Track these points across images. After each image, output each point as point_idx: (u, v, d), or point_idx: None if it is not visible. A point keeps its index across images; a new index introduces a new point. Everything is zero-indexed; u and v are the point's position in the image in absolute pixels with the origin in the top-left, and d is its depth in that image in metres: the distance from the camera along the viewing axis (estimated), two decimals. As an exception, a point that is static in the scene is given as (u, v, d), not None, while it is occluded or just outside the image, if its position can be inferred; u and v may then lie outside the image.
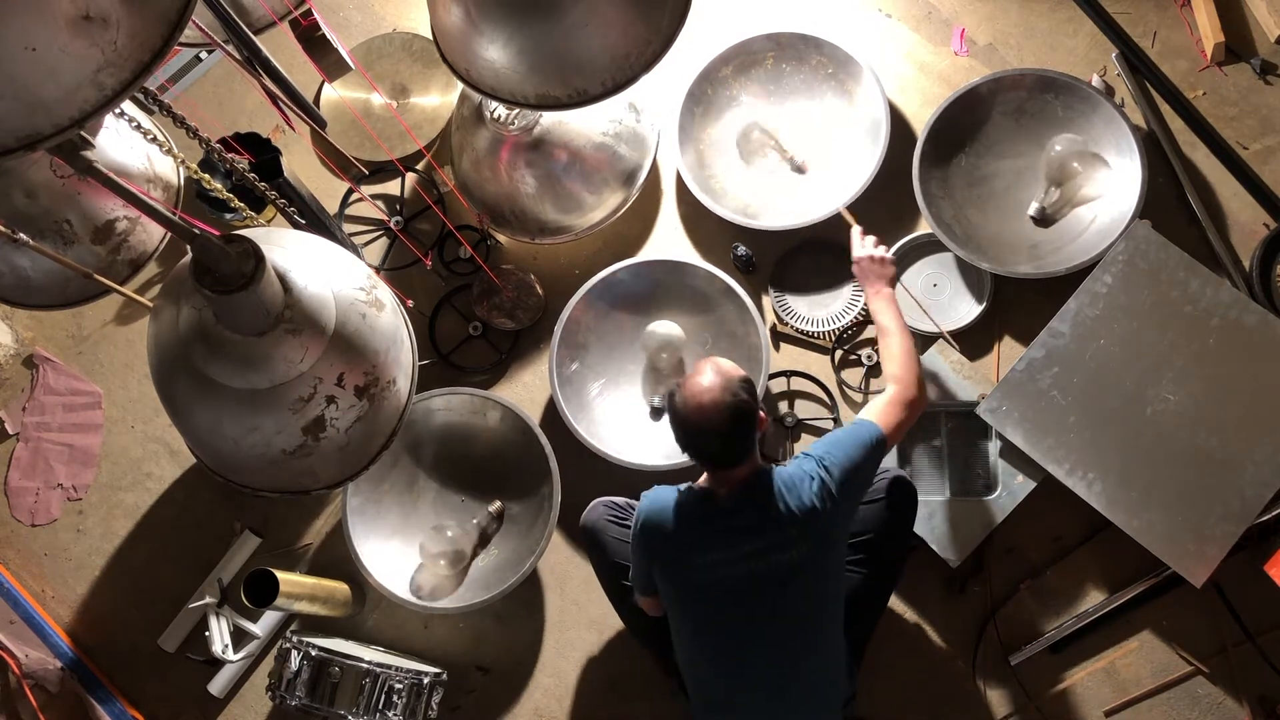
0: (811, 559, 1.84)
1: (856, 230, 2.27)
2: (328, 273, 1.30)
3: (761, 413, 1.85)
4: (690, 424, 1.81)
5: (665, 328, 2.46)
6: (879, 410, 1.97)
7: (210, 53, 2.93)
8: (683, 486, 1.91)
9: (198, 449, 1.44)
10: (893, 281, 2.17)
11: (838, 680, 1.97)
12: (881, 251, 2.19)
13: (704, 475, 1.90)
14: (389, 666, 2.29)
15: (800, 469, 1.85)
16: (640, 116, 2.55)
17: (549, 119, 2.41)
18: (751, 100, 2.64)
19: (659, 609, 2.04)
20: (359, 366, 1.31)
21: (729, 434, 1.79)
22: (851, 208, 2.44)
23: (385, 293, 1.41)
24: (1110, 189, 2.39)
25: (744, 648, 1.89)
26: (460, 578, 2.39)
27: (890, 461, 2.31)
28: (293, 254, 1.28)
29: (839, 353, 2.51)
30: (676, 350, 2.46)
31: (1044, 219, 2.45)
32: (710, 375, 1.81)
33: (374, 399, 1.34)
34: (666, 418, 1.86)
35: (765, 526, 1.82)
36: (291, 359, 1.24)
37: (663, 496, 1.91)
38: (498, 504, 2.45)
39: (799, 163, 2.58)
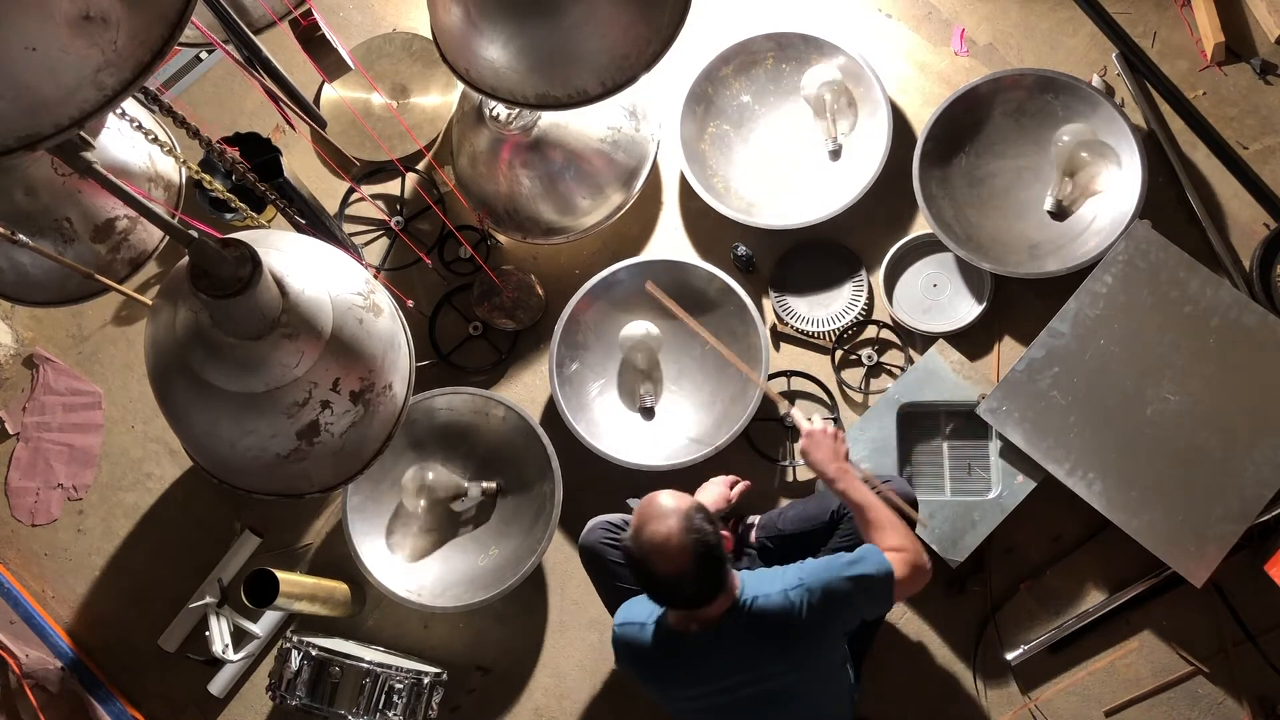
0: (802, 678, 1.78)
1: (795, 410, 2.07)
2: (325, 277, 1.30)
3: (725, 533, 1.72)
4: (656, 573, 1.67)
5: (639, 328, 2.45)
6: (894, 551, 1.80)
7: (210, 53, 2.93)
8: (654, 615, 1.81)
9: (193, 451, 1.44)
10: (834, 461, 1.94)
11: None
12: (832, 426, 2.00)
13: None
14: (389, 666, 2.29)
15: (785, 595, 1.72)
16: (640, 125, 2.54)
17: (548, 121, 2.41)
18: (828, 67, 2.60)
19: None
20: (355, 371, 1.30)
21: (699, 575, 1.66)
22: (852, 207, 2.44)
23: (383, 297, 1.40)
24: (1111, 188, 2.39)
25: None
26: (431, 544, 2.40)
27: (891, 464, 2.31)
28: (290, 257, 1.28)
29: (839, 353, 2.51)
30: (651, 349, 2.46)
31: (1060, 212, 2.44)
32: (663, 515, 1.66)
33: (369, 404, 1.33)
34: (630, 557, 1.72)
35: (745, 661, 1.74)
36: (287, 363, 1.23)
37: (632, 629, 1.83)
38: (493, 484, 2.44)
39: (838, 145, 2.57)
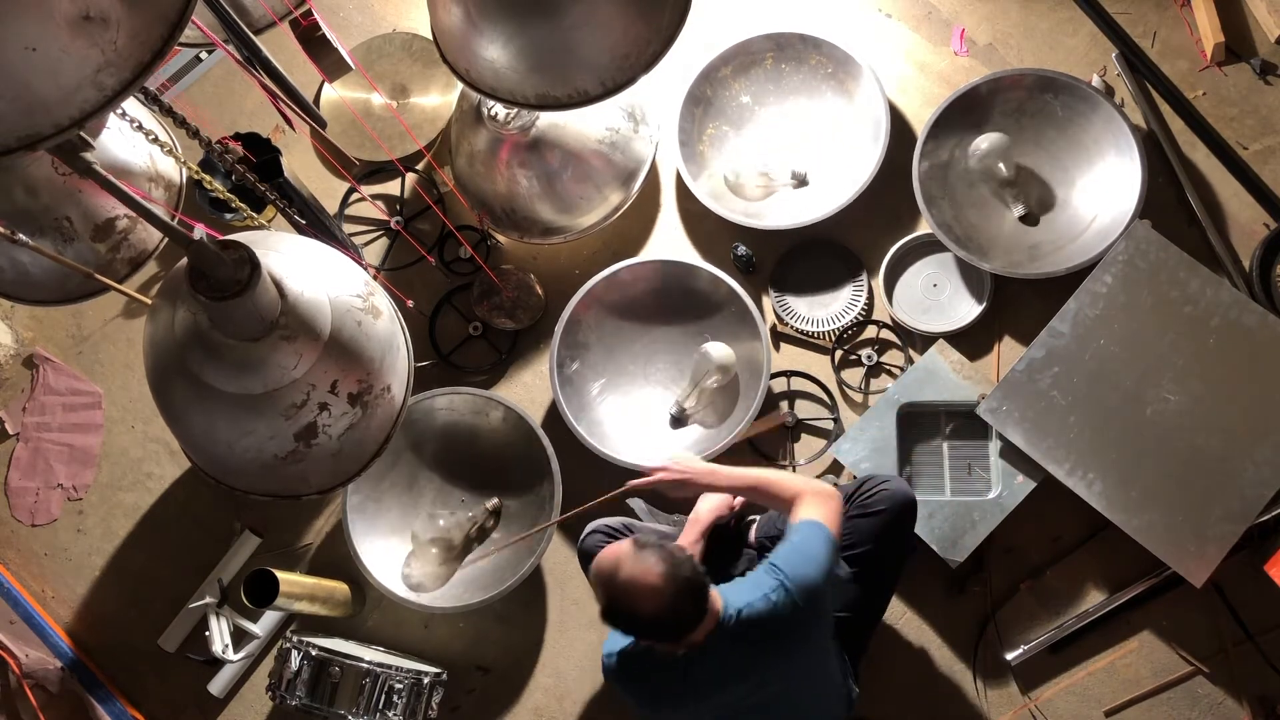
0: (800, 676, 1.79)
1: (640, 481, 2.04)
2: (324, 279, 1.30)
3: (690, 551, 1.74)
4: (642, 614, 1.63)
5: (720, 351, 2.39)
6: (813, 509, 1.81)
7: (210, 53, 2.93)
8: (641, 644, 1.78)
9: (191, 452, 1.44)
10: (704, 475, 1.96)
11: None
12: (667, 464, 2.01)
13: None
14: (389, 666, 2.29)
15: (768, 600, 1.70)
16: (638, 126, 2.54)
17: (546, 121, 2.41)
18: (731, 132, 2.61)
19: None
20: (353, 374, 1.30)
21: (685, 603, 1.63)
22: (852, 207, 2.44)
23: (382, 298, 1.40)
24: (1110, 189, 2.39)
25: None
26: (451, 570, 2.38)
27: (891, 464, 2.31)
28: (289, 259, 1.28)
29: (839, 353, 2.51)
30: (729, 373, 2.41)
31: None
32: (632, 556, 1.63)
33: (367, 406, 1.34)
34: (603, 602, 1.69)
35: (741, 672, 1.74)
36: (285, 365, 1.23)
37: (621, 659, 1.81)
38: (495, 500, 2.45)
39: (800, 175, 2.57)
